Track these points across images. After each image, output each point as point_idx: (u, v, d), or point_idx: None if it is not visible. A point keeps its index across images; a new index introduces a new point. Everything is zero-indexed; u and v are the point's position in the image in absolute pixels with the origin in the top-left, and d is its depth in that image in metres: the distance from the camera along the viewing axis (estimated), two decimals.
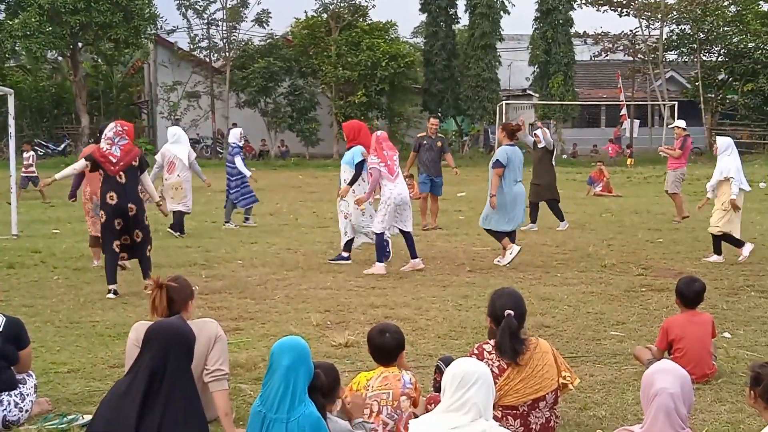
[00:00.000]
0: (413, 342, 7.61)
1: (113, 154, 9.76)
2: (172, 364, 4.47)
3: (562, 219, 15.91)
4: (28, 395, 5.56)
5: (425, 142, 16.38)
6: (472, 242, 14.25)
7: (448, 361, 5.20)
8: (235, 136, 16.89)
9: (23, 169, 22.20)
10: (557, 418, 5.13)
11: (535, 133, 15.97)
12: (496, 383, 4.76)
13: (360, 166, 11.91)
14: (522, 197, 11.93)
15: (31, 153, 23.35)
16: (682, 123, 17.54)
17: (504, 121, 39.62)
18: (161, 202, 11.18)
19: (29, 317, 8.54)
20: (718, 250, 12.16)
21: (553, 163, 16.16)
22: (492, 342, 5.00)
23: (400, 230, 11.74)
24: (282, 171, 35.87)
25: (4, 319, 5.55)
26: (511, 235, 11.98)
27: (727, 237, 11.99)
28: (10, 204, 15.17)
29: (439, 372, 5.23)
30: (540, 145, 15.96)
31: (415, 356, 7.13)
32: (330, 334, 7.92)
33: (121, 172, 9.71)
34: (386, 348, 5.23)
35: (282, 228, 16.63)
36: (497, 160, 11.70)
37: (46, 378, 6.43)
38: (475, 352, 4.99)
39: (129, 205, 9.72)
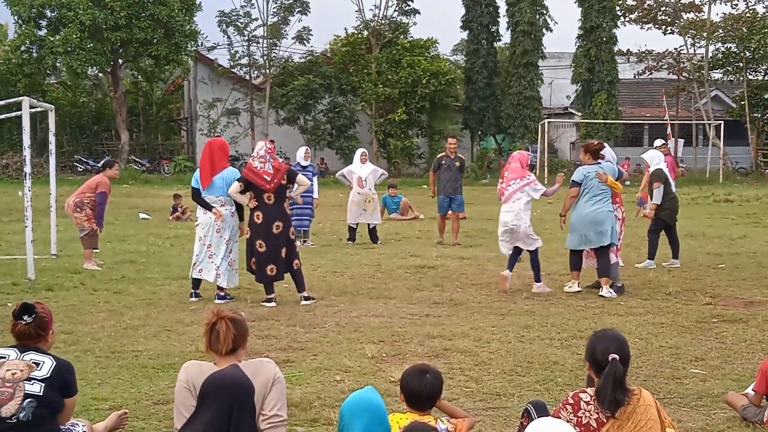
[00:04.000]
0: (477, 378, 7.07)
1: (267, 172, 10.24)
2: (236, 423, 3.95)
3: None
4: None
5: (444, 162, 16.70)
6: (524, 266, 13.60)
7: (538, 407, 4.65)
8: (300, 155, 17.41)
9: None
10: None
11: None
12: None
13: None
14: (599, 218, 11.11)
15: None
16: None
17: (546, 140, 39.18)
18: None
19: (68, 345, 8.13)
20: None
21: None
22: (590, 390, 4.39)
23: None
24: (322, 189, 35.30)
25: (54, 363, 4.91)
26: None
27: None
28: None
29: (527, 416, 4.64)
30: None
31: (482, 395, 6.59)
32: (387, 368, 7.39)
33: (270, 194, 10.21)
34: (426, 392, 4.64)
35: (326, 249, 16.17)
36: (572, 179, 11.29)
37: (86, 416, 5.92)
38: (570, 401, 4.37)
39: (276, 223, 10.23)
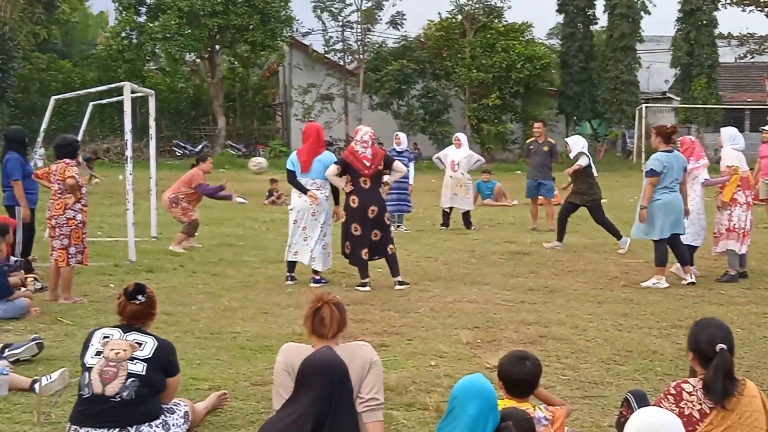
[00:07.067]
0: (574, 366, 7.00)
1: (366, 157, 10.40)
2: (336, 404, 3.98)
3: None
4: (174, 425, 5.05)
5: (532, 146, 16.86)
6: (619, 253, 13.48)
7: (639, 396, 4.57)
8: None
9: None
10: None
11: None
12: (696, 429, 4.12)
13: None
14: (677, 205, 10.82)
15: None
16: None
17: (643, 125, 38.40)
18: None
19: (168, 326, 8.28)
20: None
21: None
22: (692, 381, 4.29)
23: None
24: (415, 175, 35.28)
25: (156, 343, 5.07)
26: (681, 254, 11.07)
27: None
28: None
29: (627, 406, 4.57)
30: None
31: (578, 383, 6.52)
32: (482, 354, 7.37)
33: (367, 178, 10.35)
34: (526, 379, 4.63)
35: (419, 234, 16.17)
36: (651, 168, 10.79)
37: (187, 395, 6.04)
38: (672, 391, 4.27)
39: (371, 207, 10.31)
